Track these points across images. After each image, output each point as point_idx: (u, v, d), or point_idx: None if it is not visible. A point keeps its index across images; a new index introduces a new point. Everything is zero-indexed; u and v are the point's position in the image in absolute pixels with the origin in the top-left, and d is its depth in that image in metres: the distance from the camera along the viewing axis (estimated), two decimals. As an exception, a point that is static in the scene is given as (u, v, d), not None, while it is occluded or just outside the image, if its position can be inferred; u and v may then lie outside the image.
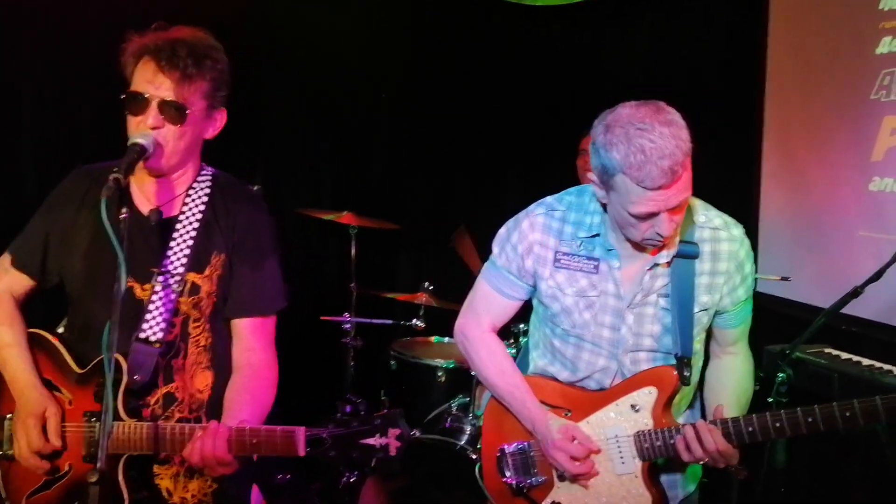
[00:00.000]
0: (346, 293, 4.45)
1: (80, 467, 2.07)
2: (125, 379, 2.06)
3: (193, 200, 2.19)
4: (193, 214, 2.18)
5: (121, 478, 2.04)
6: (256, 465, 2.13)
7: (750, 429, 2.03)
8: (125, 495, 2.04)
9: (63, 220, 2.18)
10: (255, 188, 2.65)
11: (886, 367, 2.81)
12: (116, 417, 2.03)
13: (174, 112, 2.05)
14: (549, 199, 2.30)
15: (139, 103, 2.04)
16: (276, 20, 4.83)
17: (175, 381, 2.17)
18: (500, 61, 5.13)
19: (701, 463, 2.10)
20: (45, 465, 2.08)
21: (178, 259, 2.14)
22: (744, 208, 4.30)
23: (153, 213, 2.12)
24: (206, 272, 2.17)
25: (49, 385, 2.14)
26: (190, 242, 2.15)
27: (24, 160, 4.07)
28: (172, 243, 2.15)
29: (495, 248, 2.34)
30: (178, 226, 2.16)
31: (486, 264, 2.39)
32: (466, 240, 4.11)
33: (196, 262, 2.16)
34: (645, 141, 1.89)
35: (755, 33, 4.22)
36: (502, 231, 2.34)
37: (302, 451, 1.94)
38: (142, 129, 2.03)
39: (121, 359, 2.05)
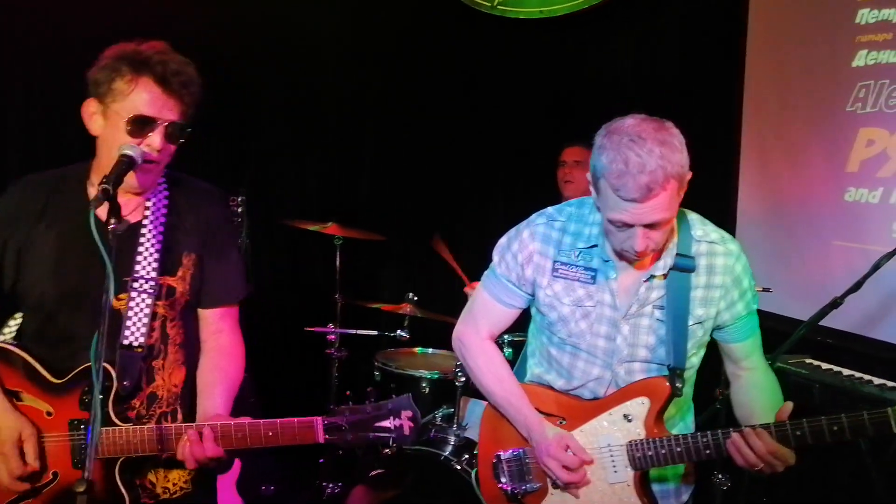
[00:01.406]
0: (330, 304, 4.45)
1: (69, 474, 2.09)
2: (115, 385, 2.10)
3: (155, 205, 2.22)
4: (157, 219, 2.21)
5: (119, 480, 2.09)
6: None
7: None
8: (126, 496, 2.10)
9: (20, 234, 2.17)
10: (240, 197, 2.67)
11: (866, 377, 2.86)
12: (109, 423, 2.08)
13: (178, 133, 2.10)
14: (550, 209, 2.35)
15: (145, 126, 2.06)
16: (262, 31, 4.84)
17: (156, 380, 2.22)
18: (485, 73, 5.18)
19: (756, 469, 2.08)
20: (28, 486, 2.09)
21: (150, 264, 2.17)
22: (721, 219, 4.33)
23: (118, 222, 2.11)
24: (179, 273, 2.22)
25: (17, 396, 2.12)
26: (158, 247, 2.18)
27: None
28: (141, 248, 2.17)
29: (495, 257, 2.38)
30: (144, 231, 2.19)
31: (486, 272, 2.43)
32: (443, 248, 4.14)
33: (167, 265, 2.20)
34: (631, 153, 1.94)
35: (734, 47, 4.30)
36: (503, 240, 2.38)
37: (321, 439, 2.06)
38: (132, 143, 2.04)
39: (108, 367, 2.08)
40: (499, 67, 5.16)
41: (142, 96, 2.05)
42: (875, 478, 2.71)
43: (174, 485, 2.25)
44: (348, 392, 4.18)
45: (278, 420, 2.08)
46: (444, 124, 5.19)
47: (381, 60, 5.21)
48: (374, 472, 3.79)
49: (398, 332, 4.16)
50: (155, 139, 2.06)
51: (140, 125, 2.05)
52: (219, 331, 2.32)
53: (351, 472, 4.05)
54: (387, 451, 3.47)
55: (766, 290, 3.64)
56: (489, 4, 4.91)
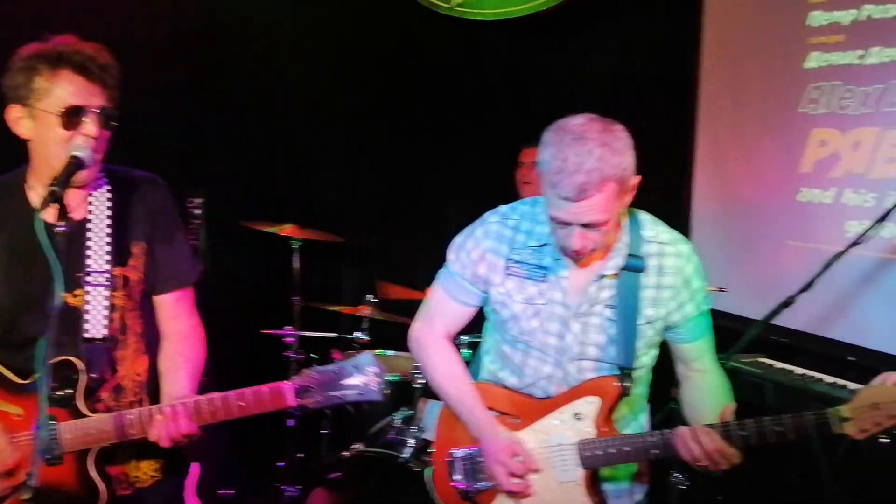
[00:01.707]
0: (288, 306, 4.42)
1: (45, 472, 2.08)
2: (84, 378, 2.13)
3: (97, 199, 2.24)
4: (102, 212, 2.23)
5: (93, 472, 2.13)
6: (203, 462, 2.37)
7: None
8: (100, 488, 2.14)
9: None
10: (197, 199, 2.69)
11: (817, 375, 2.89)
12: (80, 415, 2.12)
13: (106, 118, 2.12)
14: (503, 207, 2.36)
15: (77, 116, 2.07)
16: (216, 31, 4.79)
17: (119, 370, 2.24)
18: (443, 74, 5.18)
19: (700, 466, 2.09)
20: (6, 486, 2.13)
21: (101, 257, 2.20)
22: (677, 220, 4.39)
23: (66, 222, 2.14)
24: (131, 263, 2.24)
25: None
26: (107, 240, 2.21)
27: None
28: (90, 243, 2.19)
29: (450, 255, 2.39)
30: (90, 226, 2.21)
31: (441, 271, 2.43)
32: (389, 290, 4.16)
33: (118, 256, 2.22)
34: (571, 152, 1.96)
35: (689, 49, 4.33)
36: (457, 238, 2.39)
37: (293, 402, 2.10)
38: (76, 142, 2.06)
39: (76, 361, 2.13)
40: (457, 68, 5.17)
41: (66, 88, 2.06)
42: (825, 477, 2.73)
43: (144, 474, 2.29)
44: (302, 412, 4.15)
45: (248, 389, 2.11)
46: (403, 125, 5.18)
47: (339, 61, 5.18)
48: (333, 475, 3.77)
49: (356, 334, 4.14)
50: (90, 127, 2.07)
51: (72, 116, 2.06)
52: (176, 316, 2.35)
53: (310, 474, 4.03)
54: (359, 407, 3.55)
55: (721, 289, 3.68)
56: (447, 5, 4.91)
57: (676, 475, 3.48)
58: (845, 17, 3.51)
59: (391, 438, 3.72)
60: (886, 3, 3.34)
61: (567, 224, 2.04)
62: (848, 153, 3.49)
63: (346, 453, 3.67)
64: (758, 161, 3.94)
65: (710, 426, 2.04)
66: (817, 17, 3.64)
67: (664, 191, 4.55)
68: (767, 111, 3.89)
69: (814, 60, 3.64)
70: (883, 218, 2.41)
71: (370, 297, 4.16)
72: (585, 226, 2.02)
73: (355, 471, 3.70)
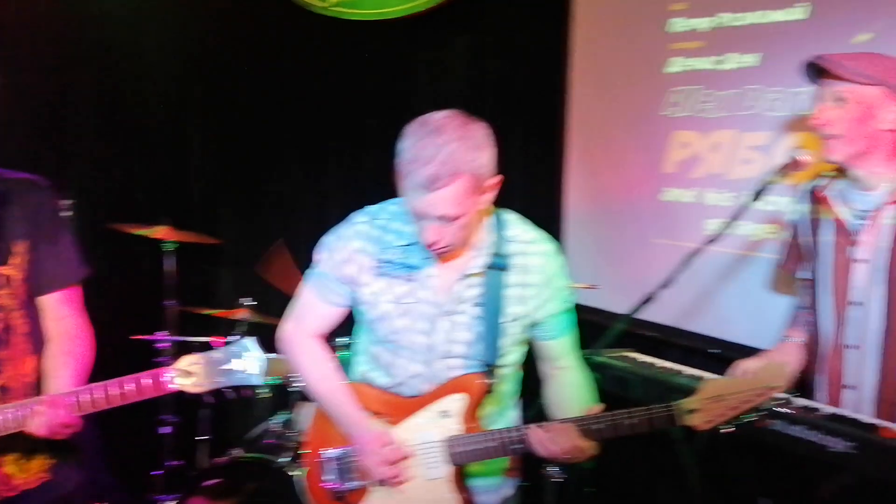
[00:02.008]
0: (162, 311, 4.29)
1: None
2: None
3: None
4: None
5: None
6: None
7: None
8: None
9: None
10: (68, 203, 2.68)
11: (678, 368, 3.01)
12: None
13: None
14: (372, 207, 2.37)
15: None
16: (82, 30, 4.62)
17: (5, 371, 2.22)
18: (318, 74, 5.15)
19: (559, 459, 2.15)
20: None
21: None
22: (550, 219, 4.52)
23: None
24: (12, 262, 2.22)
25: None
26: None
27: None
28: None
29: (318, 255, 2.38)
30: None
31: (310, 271, 2.42)
32: (282, 260, 4.09)
33: None
34: (425, 143, 1.99)
35: (559, 54, 4.44)
36: (326, 238, 2.38)
37: (171, 388, 2.14)
38: None
39: None
40: (333, 68, 5.15)
41: None
42: (686, 464, 2.86)
43: (33, 474, 2.29)
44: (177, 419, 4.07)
45: (128, 377, 2.12)
46: (278, 125, 5.12)
47: (215, 60, 5.08)
48: (210, 483, 3.69)
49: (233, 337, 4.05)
50: None
51: None
52: (62, 316, 2.34)
53: (187, 483, 3.93)
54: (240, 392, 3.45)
55: (591, 287, 3.80)
56: (323, 5, 4.88)
57: (551, 468, 3.57)
58: (703, 24, 3.68)
59: (269, 443, 3.68)
60: (740, 11, 3.51)
61: (423, 217, 2.06)
62: (708, 154, 3.66)
63: (222, 459, 3.61)
64: (625, 162, 4.08)
65: (566, 421, 2.11)
66: (677, 24, 3.79)
67: (539, 192, 4.67)
68: (633, 114, 4.03)
69: (674, 65, 3.80)
70: (735, 218, 2.53)
71: (246, 300, 4.09)
72: (440, 218, 2.05)
73: (233, 477, 3.64)
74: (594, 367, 2.61)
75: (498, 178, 2.13)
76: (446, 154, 1.97)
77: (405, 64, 5.12)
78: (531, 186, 4.69)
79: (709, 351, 3.61)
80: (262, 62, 5.13)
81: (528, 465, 2.48)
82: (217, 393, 3.88)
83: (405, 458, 2.23)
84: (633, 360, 3.15)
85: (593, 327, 3.97)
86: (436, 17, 4.76)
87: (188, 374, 2.14)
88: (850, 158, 2.48)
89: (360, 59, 5.16)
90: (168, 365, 4.05)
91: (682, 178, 3.77)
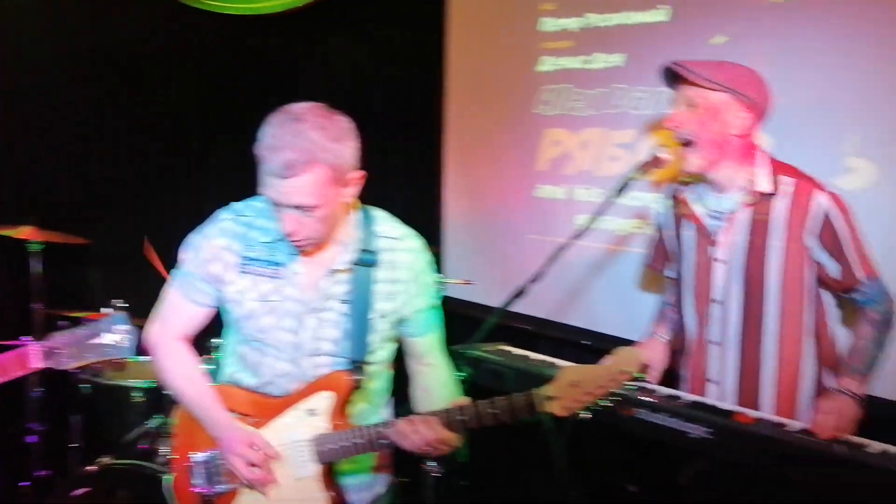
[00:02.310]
0: (28, 315, 4.10)
1: None
2: None
3: None
4: None
5: None
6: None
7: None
8: None
9: None
10: None
11: (551, 360, 3.08)
12: None
13: None
14: (237, 204, 2.33)
15: None
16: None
17: None
18: (191, 69, 5.03)
19: (425, 452, 2.16)
20: None
21: None
22: (430, 218, 4.56)
23: None
24: None
25: None
26: None
27: None
28: None
29: (184, 255, 2.33)
30: None
31: (175, 271, 2.37)
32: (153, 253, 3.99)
33: None
34: (282, 130, 2.00)
35: (435, 52, 4.50)
36: (191, 237, 2.33)
37: (37, 363, 2.08)
38: None
39: None
40: (206, 63, 5.04)
41: None
42: (556, 454, 2.93)
43: None
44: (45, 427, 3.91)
45: None
46: (151, 121, 4.98)
47: (86, 52, 4.88)
48: (79, 492, 3.56)
49: (104, 340, 3.92)
50: None
51: None
52: None
53: (56, 493, 3.78)
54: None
55: (467, 282, 3.86)
56: (195, -4, 4.77)
57: (429, 463, 3.60)
58: (572, 24, 3.78)
59: (143, 448, 3.58)
60: (608, 12, 3.63)
61: (280, 205, 2.05)
62: (578, 152, 3.77)
63: (92, 468, 3.48)
64: (500, 160, 4.15)
65: (430, 414, 2.13)
66: (548, 24, 3.89)
67: (417, 190, 4.71)
68: (507, 113, 4.11)
69: (546, 64, 3.89)
70: (599, 214, 2.61)
71: (117, 302, 3.96)
72: (298, 210, 2.04)
73: (104, 485, 3.51)
74: (469, 362, 2.64)
75: (360, 174, 2.13)
76: (305, 142, 1.97)
77: (283, 61, 5.07)
78: (410, 184, 4.72)
79: (583, 342, 3.73)
80: (135, 56, 4.97)
81: (406, 461, 2.49)
82: (87, 399, 3.80)
83: (272, 459, 2.21)
84: (508, 353, 3.21)
85: (471, 322, 4.05)
86: (313, 15, 4.72)
87: (54, 351, 2.09)
88: (706, 167, 2.58)
89: (237, 55, 5.07)
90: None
91: (555, 175, 3.87)
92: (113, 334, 2.12)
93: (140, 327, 2.43)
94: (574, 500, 2.82)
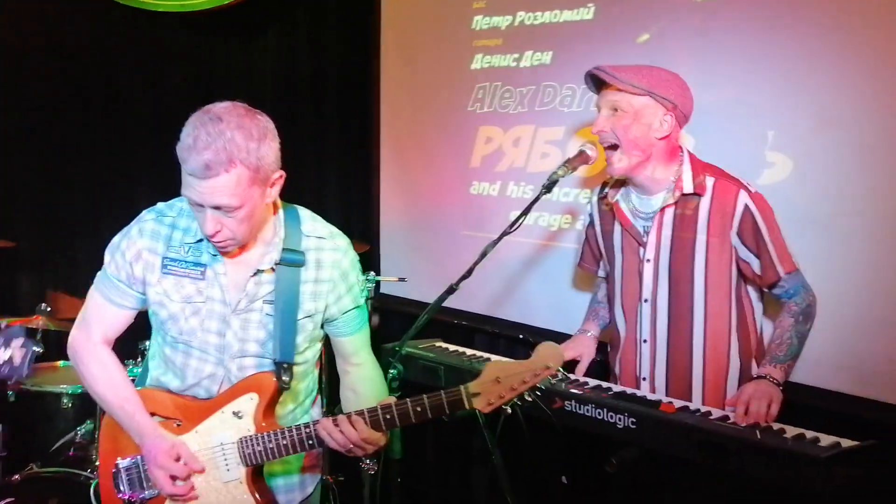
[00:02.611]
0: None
1: None
2: None
3: None
4: None
5: None
6: None
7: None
8: None
9: None
10: None
11: (486, 355, 3.10)
12: None
13: None
14: (160, 204, 2.30)
15: None
16: None
17: None
18: (123, 68, 4.95)
19: (348, 452, 2.15)
20: None
21: None
22: (367, 216, 4.56)
23: None
24: None
25: None
26: None
27: None
28: None
29: (106, 257, 2.29)
30: None
31: (98, 274, 2.32)
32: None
33: None
34: (203, 130, 1.96)
35: (369, 51, 4.49)
36: (114, 239, 2.29)
37: None
38: None
39: None
40: (138, 62, 4.96)
41: None
42: (491, 449, 2.95)
43: None
44: None
45: None
46: (80, 121, 4.88)
47: (6, 51, 4.76)
48: (3, 502, 3.47)
49: (31, 346, 3.82)
50: None
51: None
52: None
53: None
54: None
55: (401, 279, 3.86)
56: (125, -7, 4.69)
57: (366, 461, 3.60)
58: (502, 22, 3.80)
59: (72, 455, 3.51)
60: (536, 10, 3.66)
61: (200, 206, 2.03)
62: (510, 149, 3.79)
63: (17, 477, 3.40)
64: (435, 157, 4.16)
65: (358, 413, 2.12)
66: (479, 22, 3.90)
67: (353, 188, 4.70)
68: (441, 110, 4.11)
69: (478, 62, 3.91)
70: (527, 210, 2.62)
71: (43, 306, 3.88)
72: (218, 210, 2.02)
73: (31, 494, 3.43)
74: (401, 359, 2.64)
75: (281, 175, 2.11)
76: (223, 142, 1.94)
77: (214, 59, 5.01)
78: (346, 182, 4.71)
79: (519, 337, 3.76)
80: (64, 56, 4.87)
81: (343, 458, 2.47)
82: (12, 406, 3.69)
83: (194, 472, 2.19)
84: (443, 349, 3.22)
85: (408, 319, 4.05)
86: (244, 12, 4.68)
87: None
88: (630, 170, 2.63)
89: (167, 52, 5.00)
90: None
91: (488, 171, 3.89)
92: (9, 350, 2.03)
93: (67, 332, 2.38)
94: (509, 491, 2.85)
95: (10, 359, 2.03)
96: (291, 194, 2.25)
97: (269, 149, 2.04)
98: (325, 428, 2.12)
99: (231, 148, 1.95)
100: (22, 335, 2.05)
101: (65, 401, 3.71)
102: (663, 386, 2.70)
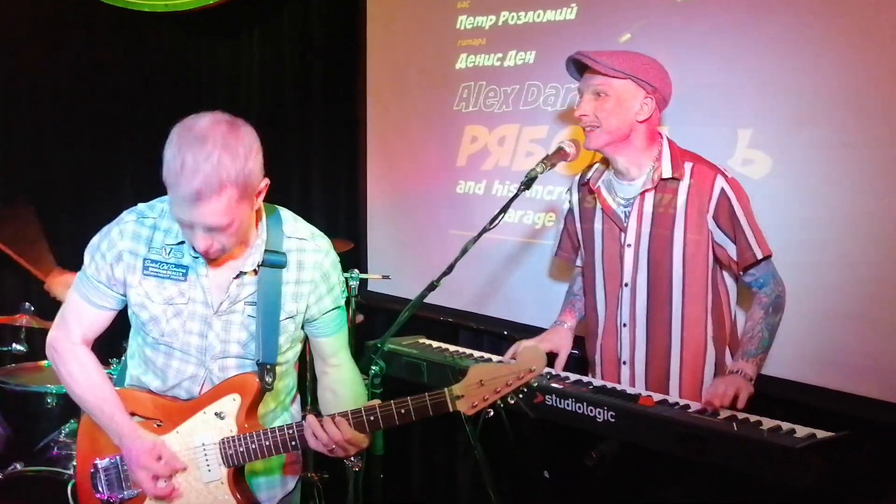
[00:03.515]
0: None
1: None
2: None
3: None
4: None
5: None
6: None
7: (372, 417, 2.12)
8: None
9: None
10: None
11: (469, 352, 3.12)
12: None
13: None
14: (141, 205, 2.28)
15: None
16: None
17: None
18: (107, 67, 4.95)
19: (330, 452, 2.15)
20: None
21: None
22: (353, 214, 4.57)
23: None
24: None
25: None
26: None
27: None
28: None
29: (86, 257, 2.28)
30: None
31: (78, 274, 2.31)
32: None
33: None
34: (189, 155, 1.93)
35: (354, 50, 4.49)
36: (94, 239, 2.28)
37: None
38: None
39: None
40: (124, 63, 4.96)
41: None
42: (474, 445, 2.96)
43: None
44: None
45: None
46: (65, 119, 4.87)
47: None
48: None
49: (14, 345, 3.82)
50: None
51: None
52: None
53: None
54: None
55: (385, 277, 3.88)
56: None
57: (351, 458, 3.61)
58: (486, 21, 3.82)
59: (55, 455, 3.50)
60: (520, 10, 3.68)
61: (192, 227, 2.02)
62: (495, 148, 3.81)
63: (0, 476, 3.39)
64: (421, 156, 4.17)
65: (342, 415, 2.12)
66: (464, 21, 3.92)
67: (339, 187, 4.71)
68: (428, 110, 4.12)
69: (463, 62, 3.93)
70: (507, 207, 2.64)
71: (27, 305, 3.87)
72: (210, 229, 2.01)
73: (13, 493, 3.42)
74: (383, 356, 2.65)
75: (266, 183, 2.09)
76: (212, 167, 1.92)
77: (202, 57, 5.01)
78: (331, 181, 4.71)
79: (503, 333, 3.78)
80: (47, 54, 4.86)
81: (328, 457, 2.47)
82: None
83: (176, 471, 2.19)
84: (426, 345, 3.23)
85: (394, 317, 4.06)
86: (229, 11, 4.68)
87: None
88: (608, 146, 2.67)
89: (153, 51, 5.00)
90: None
91: (474, 170, 3.90)
92: None
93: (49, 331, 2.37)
94: (491, 486, 2.86)
95: None
96: (278, 193, 2.25)
97: (255, 163, 2.02)
98: (311, 427, 2.12)
99: (220, 172, 1.93)
100: None
101: (48, 400, 3.69)
102: (643, 370, 2.73)
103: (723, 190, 2.58)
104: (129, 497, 2.24)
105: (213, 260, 2.16)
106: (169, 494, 2.19)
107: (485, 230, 2.67)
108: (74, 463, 3.37)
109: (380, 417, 2.10)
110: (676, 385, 2.68)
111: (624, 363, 2.77)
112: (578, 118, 2.69)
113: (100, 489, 2.26)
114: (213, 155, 1.93)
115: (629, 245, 2.72)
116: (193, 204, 1.95)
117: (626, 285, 2.74)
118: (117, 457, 2.25)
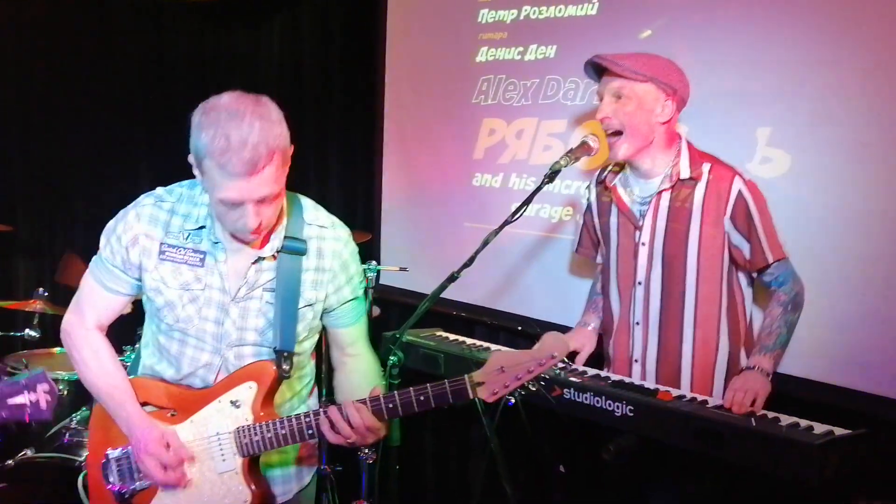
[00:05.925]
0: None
1: None
2: None
3: None
4: None
5: None
6: None
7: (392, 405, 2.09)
8: None
9: None
10: None
11: (485, 345, 3.10)
12: None
13: None
14: (159, 189, 2.25)
15: None
16: None
17: None
18: (127, 56, 4.95)
19: (349, 442, 2.11)
20: None
21: None
22: (369, 206, 4.56)
23: None
24: None
25: None
26: None
27: None
28: None
29: (102, 241, 2.24)
30: None
31: (93, 258, 2.28)
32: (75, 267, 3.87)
33: None
34: (232, 129, 1.90)
35: (374, 42, 4.47)
36: (110, 223, 2.24)
37: None
38: None
39: None
40: (143, 51, 4.96)
41: None
42: (489, 437, 2.96)
43: None
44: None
45: None
46: (81, 108, 4.87)
47: (6, 40, 4.76)
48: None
49: (27, 331, 3.82)
50: None
51: None
52: None
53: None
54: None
55: (402, 269, 3.86)
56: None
57: (365, 451, 3.61)
58: (507, 16, 3.81)
59: (66, 442, 3.49)
60: (541, 5, 3.66)
61: (239, 204, 1.98)
62: (513, 141, 3.80)
63: (10, 462, 3.37)
64: (438, 149, 4.15)
65: (361, 401, 2.08)
66: (485, 15, 3.91)
67: (358, 179, 4.70)
68: (446, 102, 4.10)
69: (483, 55, 3.92)
70: (529, 200, 2.62)
71: (41, 291, 3.86)
72: (260, 202, 1.99)
73: (24, 479, 3.41)
74: (402, 347, 2.64)
75: (291, 149, 2.06)
76: (257, 136, 1.90)
77: (221, 45, 5.01)
78: (348, 172, 4.71)
79: (518, 328, 3.76)
80: (67, 43, 4.87)
81: (342, 449, 2.45)
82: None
83: (187, 460, 2.15)
84: (444, 338, 3.22)
85: (409, 309, 4.05)
86: (251, 1, 4.69)
87: None
88: (634, 155, 2.66)
89: (173, 39, 5.00)
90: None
91: (491, 163, 3.89)
92: (33, 393, 1.99)
93: (62, 317, 2.36)
94: (506, 479, 2.85)
95: (36, 402, 2.00)
96: (294, 183, 2.22)
97: (284, 127, 2.01)
98: (332, 416, 2.08)
99: (266, 138, 1.92)
100: (45, 380, 2.01)
101: (60, 387, 3.68)
102: (654, 368, 2.72)
103: (740, 191, 2.57)
104: (140, 488, 2.20)
105: (254, 241, 2.13)
106: (180, 484, 2.15)
107: (506, 222, 2.65)
108: (86, 452, 3.40)
109: (399, 404, 2.06)
110: (687, 385, 2.67)
111: (636, 361, 2.76)
112: (601, 121, 2.68)
113: (111, 479, 2.22)
114: (255, 125, 1.91)
115: (644, 243, 2.71)
116: (247, 177, 1.92)
117: (639, 284, 2.73)
118: (129, 447, 2.21)
